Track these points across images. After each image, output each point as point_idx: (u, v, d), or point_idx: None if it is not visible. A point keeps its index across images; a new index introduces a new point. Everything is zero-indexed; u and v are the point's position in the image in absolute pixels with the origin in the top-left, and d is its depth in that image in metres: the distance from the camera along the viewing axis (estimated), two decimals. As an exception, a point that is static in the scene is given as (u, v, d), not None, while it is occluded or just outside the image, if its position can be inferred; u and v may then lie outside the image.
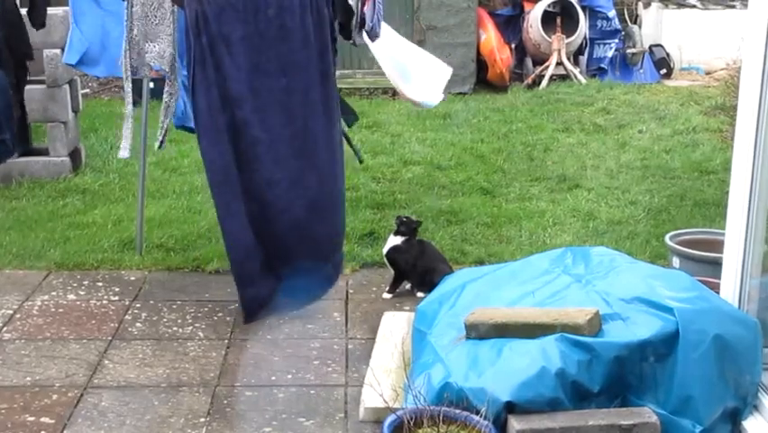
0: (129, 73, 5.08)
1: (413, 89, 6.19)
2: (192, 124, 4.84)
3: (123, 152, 5.25)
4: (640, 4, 12.54)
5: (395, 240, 5.20)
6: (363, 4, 4.92)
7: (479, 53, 11.04)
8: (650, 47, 11.73)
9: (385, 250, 5.24)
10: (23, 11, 5.26)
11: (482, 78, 11.10)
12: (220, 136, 4.50)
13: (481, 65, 11.10)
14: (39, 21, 5.03)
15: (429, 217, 6.34)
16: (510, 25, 11.80)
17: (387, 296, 5.22)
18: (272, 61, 4.50)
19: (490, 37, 11.09)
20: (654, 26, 12.11)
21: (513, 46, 11.46)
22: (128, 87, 5.14)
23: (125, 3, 4.97)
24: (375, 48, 5.54)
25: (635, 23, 12.29)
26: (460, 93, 10.62)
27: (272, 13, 4.45)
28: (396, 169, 7.58)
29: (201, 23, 4.32)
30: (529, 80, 11.17)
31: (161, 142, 5.26)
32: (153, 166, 7.35)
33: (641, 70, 11.55)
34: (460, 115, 9.40)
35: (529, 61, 11.41)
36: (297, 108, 4.58)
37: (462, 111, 9.58)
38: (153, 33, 4.99)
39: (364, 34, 5.01)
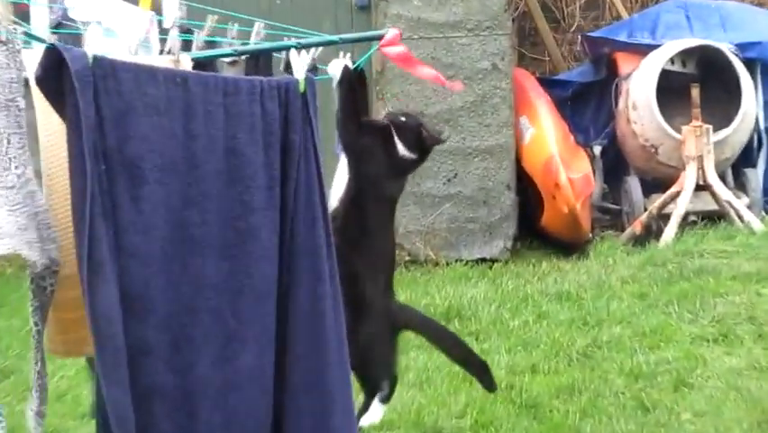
0: None
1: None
2: None
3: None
4: None
5: None
6: None
7: (520, 167, 8.14)
8: None
9: None
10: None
11: (530, 224, 8.34)
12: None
13: (527, 195, 8.19)
14: None
15: None
16: (586, 104, 9.16)
17: None
18: (208, 219, 3.35)
19: (543, 132, 8.26)
20: None
21: (596, 150, 8.76)
22: None
23: None
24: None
25: None
26: (481, 260, 7.90)
27: (219, 123, 3.36)
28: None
29: (96, 136, 3.12)
30: (636, 227, 8.44)
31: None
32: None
33: None
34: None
35: (635, 184, 8.56)
36: (241, 325, 3.41)
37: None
38: None
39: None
